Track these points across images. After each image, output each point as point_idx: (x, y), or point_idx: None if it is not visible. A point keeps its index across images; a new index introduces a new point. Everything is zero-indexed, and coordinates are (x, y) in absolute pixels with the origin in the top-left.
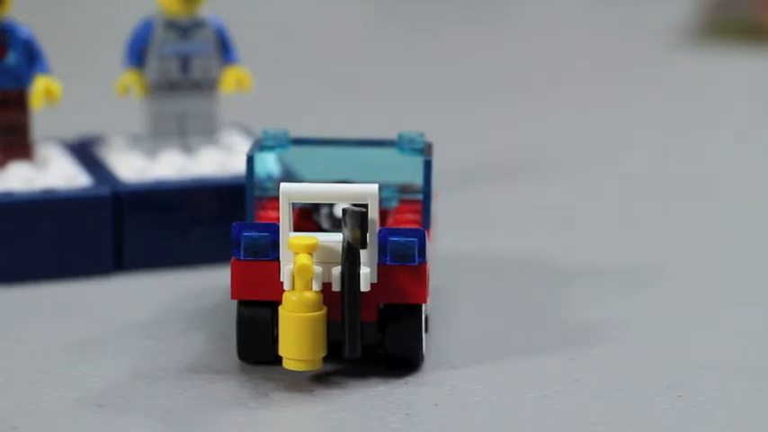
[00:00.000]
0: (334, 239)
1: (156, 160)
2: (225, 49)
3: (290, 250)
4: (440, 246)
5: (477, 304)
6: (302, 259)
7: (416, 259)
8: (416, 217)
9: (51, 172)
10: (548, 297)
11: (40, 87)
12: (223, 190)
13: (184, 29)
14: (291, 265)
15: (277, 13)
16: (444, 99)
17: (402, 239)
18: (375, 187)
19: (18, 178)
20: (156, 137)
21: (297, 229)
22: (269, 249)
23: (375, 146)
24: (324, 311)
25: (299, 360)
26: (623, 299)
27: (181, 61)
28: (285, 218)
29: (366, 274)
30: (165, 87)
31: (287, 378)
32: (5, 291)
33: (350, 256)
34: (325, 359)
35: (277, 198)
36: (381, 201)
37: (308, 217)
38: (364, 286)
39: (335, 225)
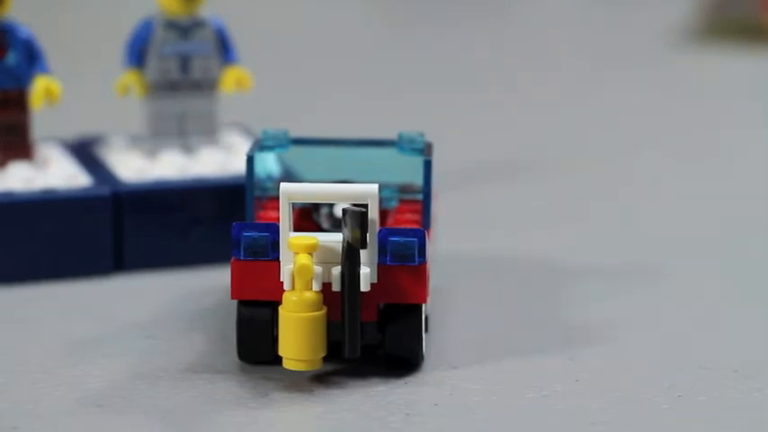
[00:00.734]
0: (334, 239)
1: (156, 160)
2: (225, 49)
3: (290, 250)
4: (440, 246)
5: (477, 304)
6: (302, 259)
7: (416, 259)
8: (416, 217)
9: (51, 172)
10: (548, 297)
11: (40, 87)
12: (223, 190)
13: (184, 29)
14: (291, 265)
15: (277, 12)
16: (444, 99)
17: (402, 239)
18: (375, 187)
19: (18, 178)
20: (156, 137)
21: (297, 228)
22: (269, 249)
23: (375, 146)
24: (324, 311)
25: (299, 360)
26: (623, 299)
27: (181, 61)
28: (285, 218)
29: (366, 274)
30: (164, 87)
31: (287, 378)
32: (5, 291)
33: (350, 256)
34: (326, 359)
35: (277, 198)
36: (381, 201)
37: (308, 217)
38: (364, 286)
39: (335, 225)
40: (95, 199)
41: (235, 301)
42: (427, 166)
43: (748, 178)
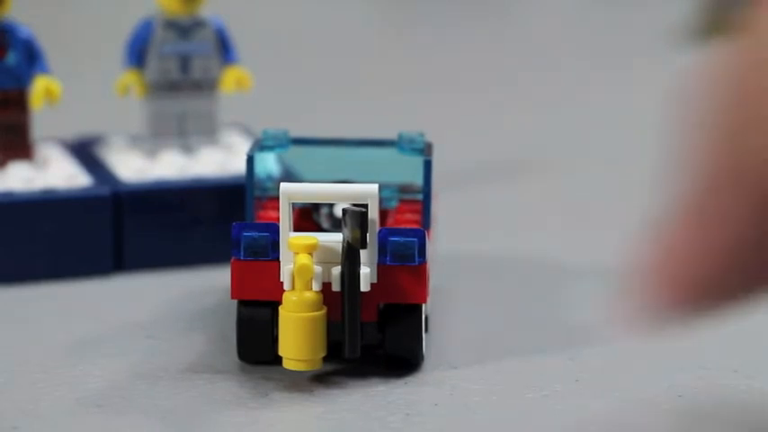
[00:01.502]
0: (334, 239)
1: (156, 160)
2: (225, 49)
3: (290, 250)
4: (440, 246)
5: (477, 304)
6: (302, 259)
7: (416, 259)
8: (416, 217)
9: (51, 172)
10: (548, 297)
11: (39, 87)
12: (223, 190)
13: (184, 29)
14: (291, 265)
15: (277, 12)
16: (444, 99)
17: (402, 239)
18: (375, 187)
19: (18, 178)
20: (155, 137)
21: (297, 228)
22: (269, 249)
23: (375, 146)
24: (324, 311)
25: (299, 360)
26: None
27: (181, 61)
28: (285, 218)
29: (366, 274)
30: (164, 87)
31: (287, 378)
32: (5, 291)
33: (350, 256)
34: (326, 359)
35: (277, 198)
36: (381, 201)
37: (308, 217)
38: (364, 286)
39: (335, 225)
40: (95, 199)
41: (235, 301)
42: (427, 166)
43: None
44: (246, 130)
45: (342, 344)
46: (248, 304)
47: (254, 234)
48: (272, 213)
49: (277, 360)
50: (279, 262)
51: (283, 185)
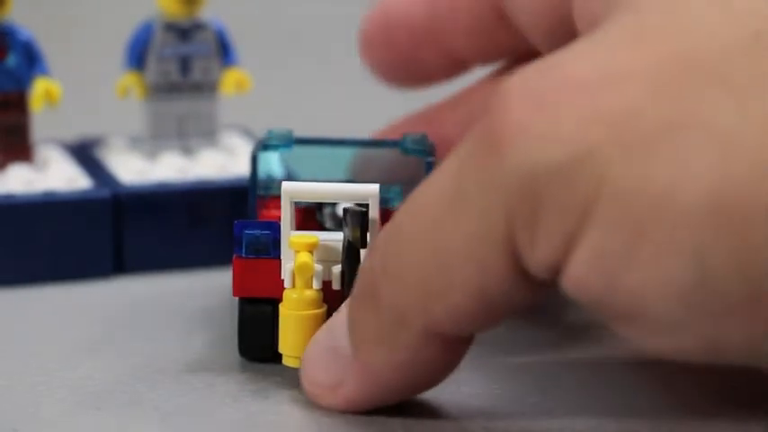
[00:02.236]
0: (335, 238)
1: (156, 162)
2: (225, 51)
3: (291, 248)
4: None
5: None
6: (303, 257)
7: None
8: None
9: (52, 174)
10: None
11: (39, 89)
12: (223, 192)
13: (184, 31)
14: (292, 263)
15: (277, 14)
16: (444, 99)
17: None
18: (376, 187)
19: (18, 180)
20: (156, 138)
21: (300, 227)
22: (270, 247)
23: (379, 146)
24: (324, 309)
25: (299, 357)
26: None
27: (181, 63)
28: (287, 216)
29: None
30: (164, 89)
31: (287, 379)
32: (6, 293)
33: (350, 255)
34: None
35: (279, 197)
36: (388, 201)
37: (311, 216)
38: None
39: (338, 224)
40: (96, 201)
41: (235, 303)
42: (429, 166)
43: None
44: (246, 132)
45: None
46: (250, 302)
47: (256, 232)
48: (274, 212)
49: (277, 357)
50: (280, 260)
51: (285, 184)
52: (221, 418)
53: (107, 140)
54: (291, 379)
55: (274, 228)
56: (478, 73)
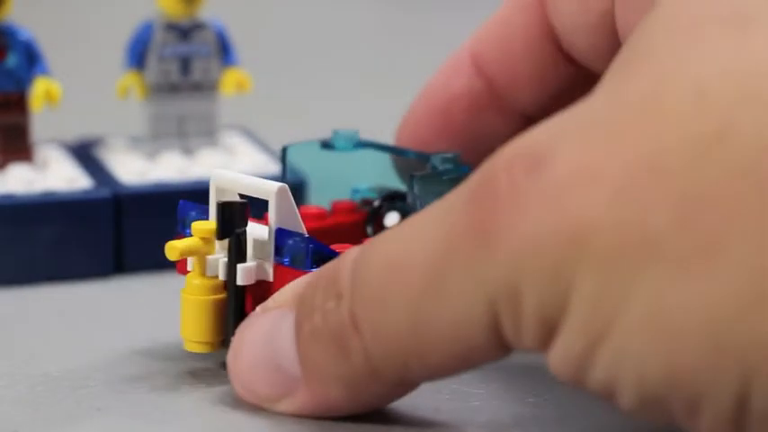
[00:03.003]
0: (261, 235)
1: (157, 162)
2: (225, 52)
3: (193, 234)
4: None
5: None
6: (188, 241)
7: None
8: None
9: (52, 174)
10: None
11: (40, 89)
12: None
13: (184, 31)
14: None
15: (277, 14)
16: None
17: (297, 243)
18: (277, 185)
19: (18, 180)
20: (156, 139)
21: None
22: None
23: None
24: (219, 297)
25: (194, 341)
26: None
27: (181, 63)
28: (212, 201)
29: (244, 268)
30: (165, 89)
31: None
32: (6, 293)
33: (231, 248)
34: None
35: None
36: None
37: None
38: (240, 279)
39: (378, 229)
40: (96, 201)
41: None
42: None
43: None
44: (246, 132)
45: None
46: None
47: (193, 213)
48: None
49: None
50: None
51: (214, 171)
52: (221, 417)
53: (107, 140)
54: None
55: (204, 211)
56: None
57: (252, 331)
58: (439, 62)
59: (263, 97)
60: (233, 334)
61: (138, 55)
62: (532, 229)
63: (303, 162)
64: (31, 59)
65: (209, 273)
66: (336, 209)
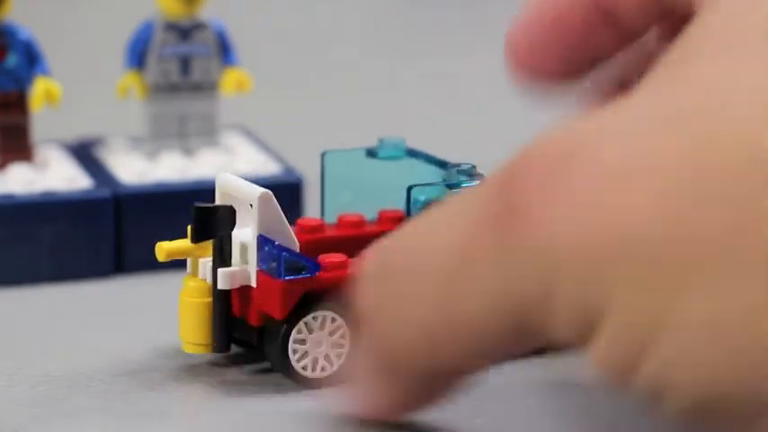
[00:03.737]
0: (246, 239)
1: (157, 162)
2: (225, 52)
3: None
4: None
5: None
6: (177, 243)
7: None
8: None
9: (52, 174)
10: None
11: (40, 89)
12: None
13: (185, 31)
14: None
15: (277, 14)
16: (447, 99)
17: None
18: (262, 191)
19: (18, 180)
20: (156, 139)
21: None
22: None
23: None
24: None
25: (189, 343)
26: None
27: (181, 63)
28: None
29: (225, 273)
30: (165, 89)
31: (288, 380)
32: (6, 293)
33: (215, 252)
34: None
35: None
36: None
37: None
38: (221, 284)
39: None
40: (96, 201)
41: None
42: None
43: None
44: (247, 132)
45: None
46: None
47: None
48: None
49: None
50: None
51: (219, 174)
52: (221, 418)
53: (107, 140)
54: (292, 381)
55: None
56: None
57: None
58: (439, 62)
59: (263, 97)
60: (216, 338)
61: (138, 55)
62: (568, 226)
63: (342, 169)
64: (31, 59)
65: (201, 275)
66: (342, 222)
